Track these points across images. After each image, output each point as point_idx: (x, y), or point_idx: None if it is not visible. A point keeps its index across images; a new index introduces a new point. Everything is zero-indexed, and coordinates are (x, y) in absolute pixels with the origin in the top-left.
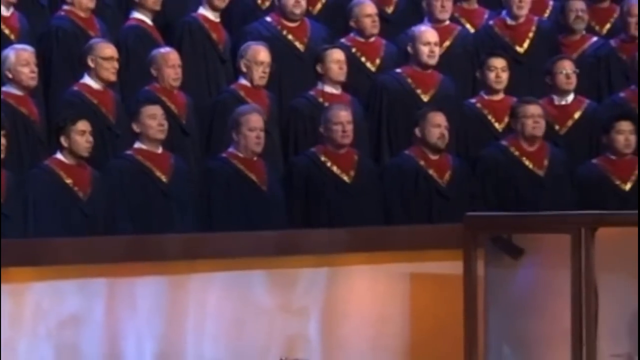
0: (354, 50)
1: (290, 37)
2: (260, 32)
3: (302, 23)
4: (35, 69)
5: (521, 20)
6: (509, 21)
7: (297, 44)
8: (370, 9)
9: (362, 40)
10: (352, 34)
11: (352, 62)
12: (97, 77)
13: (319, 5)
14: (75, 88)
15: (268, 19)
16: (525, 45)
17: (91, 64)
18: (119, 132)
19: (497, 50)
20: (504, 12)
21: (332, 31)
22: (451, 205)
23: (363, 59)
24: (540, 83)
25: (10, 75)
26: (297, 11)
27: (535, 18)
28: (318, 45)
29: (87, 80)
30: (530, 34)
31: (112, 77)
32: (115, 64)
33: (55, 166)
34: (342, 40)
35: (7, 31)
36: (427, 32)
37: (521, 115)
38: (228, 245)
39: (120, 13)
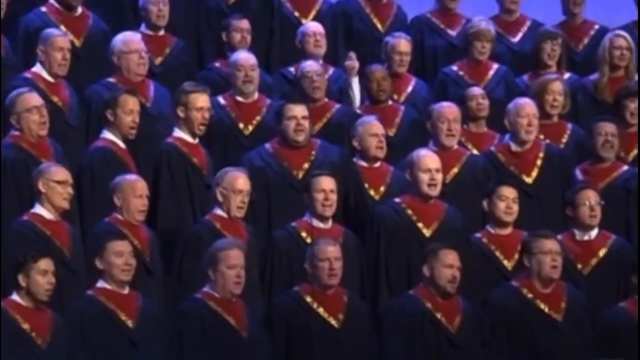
0: None
1: (285, 164)
2: (252, 161)
3: (308, 145)
4: None
5: (528, 146)
6: (514, 147)
7: (294, 172)
8: (377, 128)
9: (365, 164)
10: (355, 158)
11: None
12: (50, 203)
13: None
14: (26, 218)
15: (267, 146)
16: (534, 174)
17: (42, 189)
18: (74, 267)
19: (507, 178)
20: (507, 137)
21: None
22: (462, 354)
23: (366, 186)
24: (552, 217)
25: None
26: (300, 138)
27: (543, 143)
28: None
29: (39, 209)
30: (539, 162)
31: (66, 205)
32: (70, 189)
33: (10, 309)
34: None
35: None
36: (427, 158)
37: (537, 251)
38: None
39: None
